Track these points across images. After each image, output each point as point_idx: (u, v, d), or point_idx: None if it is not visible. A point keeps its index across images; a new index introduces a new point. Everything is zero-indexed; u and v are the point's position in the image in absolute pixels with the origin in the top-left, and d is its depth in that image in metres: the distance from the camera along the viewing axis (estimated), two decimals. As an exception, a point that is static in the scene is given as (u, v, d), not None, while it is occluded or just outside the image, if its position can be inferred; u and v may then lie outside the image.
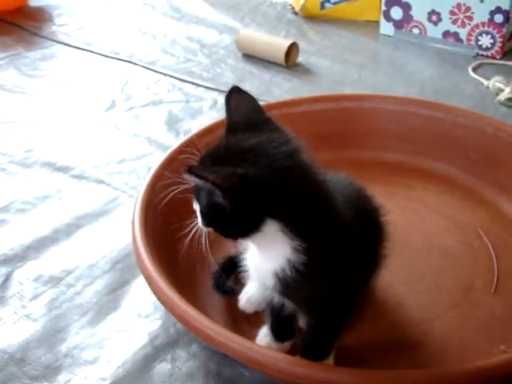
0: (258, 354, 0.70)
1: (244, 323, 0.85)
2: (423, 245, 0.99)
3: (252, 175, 0.63)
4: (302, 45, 1.62)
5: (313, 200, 0.67)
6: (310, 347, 0.76)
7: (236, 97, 0.70)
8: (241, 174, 0.63)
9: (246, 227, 0.66)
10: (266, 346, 0.78)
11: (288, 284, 0.68)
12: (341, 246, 0.69)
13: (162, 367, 0.81)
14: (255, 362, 0.70)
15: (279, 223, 0.66)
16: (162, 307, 0.85)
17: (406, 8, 1.68)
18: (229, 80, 1.51)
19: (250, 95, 0.71)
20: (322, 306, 0.72)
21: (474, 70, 1.55)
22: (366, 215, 0.79)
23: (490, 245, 0.99)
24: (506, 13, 1.55)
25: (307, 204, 0.66)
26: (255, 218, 0.65)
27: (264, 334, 0.81)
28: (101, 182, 1.16)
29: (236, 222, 0.66)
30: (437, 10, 1.64)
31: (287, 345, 0.80)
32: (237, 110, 0.70)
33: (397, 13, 1.70)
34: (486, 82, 1.48)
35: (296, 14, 1.86)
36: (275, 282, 0.69)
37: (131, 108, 1.40)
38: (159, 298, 0.80)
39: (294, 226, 0.66)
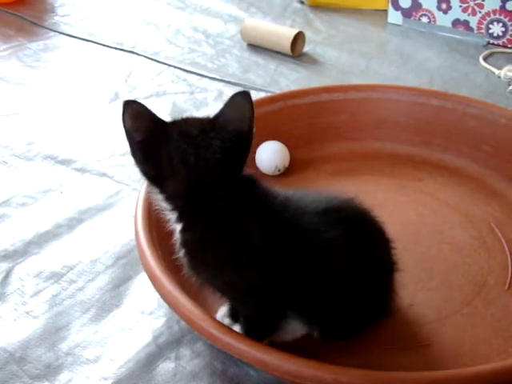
0: (264, 355, 0.68)
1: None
2: (434, 239, 0.97)
3: (147, 138, 0.68)
4: (308, 34, 1.59)
5: (206, 190, 0.69)
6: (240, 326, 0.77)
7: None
8: (147, 130, 0.68)
9: (149, 178, 0.72)
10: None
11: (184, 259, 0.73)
12: (229, 241, 0.70)
13: (166, 366, 0.79)
14: (262, 363, 0.68)
15: (161, 194, 0.71)
16: (166, 304, 0.83)
17: (415, -4, 1.65)
18: (234, 70, 1.49)
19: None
20: (219, 290, 0.75)
21: (485, 59, 1.52)
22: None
23: (503, 239, 0.96)
24: (517, 0, 1.52)
25: (196, 191, 0.69)
26: (149, 176, 0.71)
27: (222, 316, 0.80)
28: (104, 175, 1.14)
29: (140, 170, 0.71)
30: (446, -3, 1.61)
31: None
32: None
33: (405, 1, 1.67)
34: (497, 72, 1.45)
35: (302, 2, 1.83)
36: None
37: (135, 99, 1.37)
38: (163, 297, 0.78)
39: (172, 203, 0.71)
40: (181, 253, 0.73)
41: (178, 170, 0.68)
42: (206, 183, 0.69)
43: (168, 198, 0.71)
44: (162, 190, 0.71)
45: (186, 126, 0.70)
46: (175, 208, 0.71)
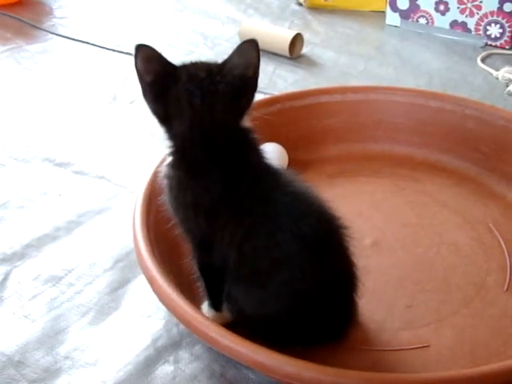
0: (263, 357, 0.67)
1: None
2: (433, 240, 0.97)
3: (158, 79, 0.72)
4: (306, 36, 1.59)
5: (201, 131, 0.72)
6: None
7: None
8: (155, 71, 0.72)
9: (158, 118, 0.74)
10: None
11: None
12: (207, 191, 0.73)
13: (165, 369, 0.79)
14: (261, 366, 0.68)
15: (167, 133, 0.74)
16: (164, 307, 0.83)
17: (413, -3, 1.65)
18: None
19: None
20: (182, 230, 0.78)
21: (483, 60, 1.52)
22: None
23: (501, 240, 0.96)
24: (515, 1, 1.52)
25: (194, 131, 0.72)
26: (159, 115, 0.74)
27: (206, 310, 0.80)
28: (102, 177, 1.13)
29: (150, 109, 0.74)
30: (444, -1, 1.61)
31: (226, 313, 0.79)
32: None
33: (403, 2, 1.67)
34: (495, 73, 1.45)
35: (300, 4, 1.84)
36: None
37: (133, 101, 1.37)
38: (162, 300, 0.78)
39: (172, 141, 0.74)
40: (163, 183, 0.77)
41: (184, 111, 0.71)
42: (207, 127, 0.72)
43: (171, 137, 0.74)
44: (168, 130, 0.74)
45: (194, 69, 0.72)
46: (173, 146, 0.75)
